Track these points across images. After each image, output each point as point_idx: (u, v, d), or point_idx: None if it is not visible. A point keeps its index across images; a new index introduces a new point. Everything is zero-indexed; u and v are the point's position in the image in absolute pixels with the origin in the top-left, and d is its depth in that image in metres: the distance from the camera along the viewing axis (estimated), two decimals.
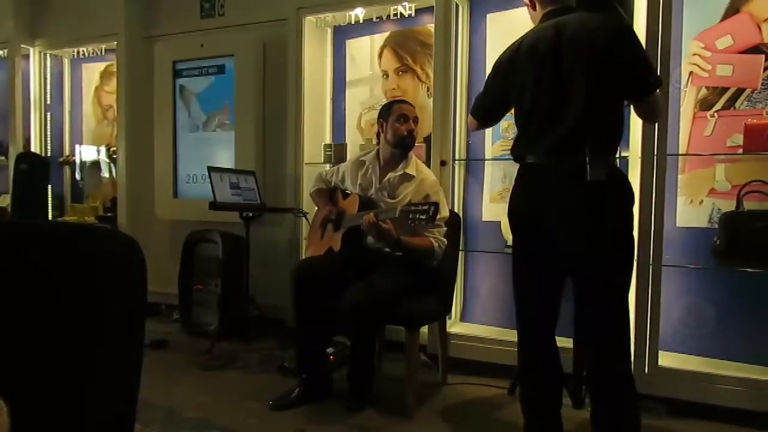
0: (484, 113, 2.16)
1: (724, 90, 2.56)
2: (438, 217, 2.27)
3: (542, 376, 1.96)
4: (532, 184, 1.88)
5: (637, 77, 1.80)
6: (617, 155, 2.81)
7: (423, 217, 2.12)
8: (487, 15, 3.13)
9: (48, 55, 4.67)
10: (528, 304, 1.96)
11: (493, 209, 3.13)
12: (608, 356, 1.80)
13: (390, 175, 2.64)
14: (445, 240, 2.57)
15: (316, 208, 2.94)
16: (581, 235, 1.78)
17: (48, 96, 4.72)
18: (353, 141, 3.54)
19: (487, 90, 2.10)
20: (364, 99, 3.58)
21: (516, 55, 1.93)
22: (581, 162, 1.73)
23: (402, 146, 2.65)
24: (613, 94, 1.80)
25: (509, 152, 2.03)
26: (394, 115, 2.65)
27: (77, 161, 4.60)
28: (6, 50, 4.57)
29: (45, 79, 4.69)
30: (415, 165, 2.65)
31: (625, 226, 1.83)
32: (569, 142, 1.78)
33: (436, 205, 2.14)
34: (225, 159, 3.89)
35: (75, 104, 4.75)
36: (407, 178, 2.61)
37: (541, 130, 1.85)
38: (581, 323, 1.85)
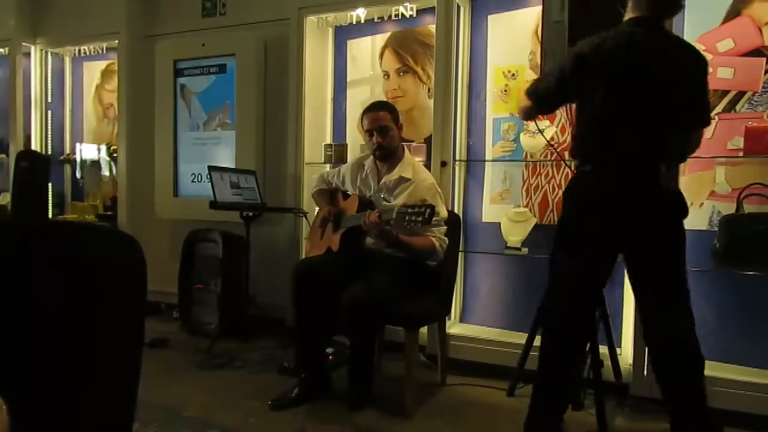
0: (550, 101, 2.07)
1: (725, 93, 2.56)
2: (436, 218, 2.26)
3: (571, 338, 1.98)
4: (606, 188, 1.86)
5: (701, 110, 1.90)
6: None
7: (419, 219, 2.12)
8: (489, 16, 3.13)
9: (49, 53, 4.67)
10: (575, 290, 1.96)
11: (493, 210, 3.13)
12: (685, 342, 1.90)
13: (386, 178, 2.64)
14: (446, 239, 2.57)
15: (317, 208, 2.94)
16: (656, 242, 1.86)
17: (49, 94, 4.72)
18: (354, 141, 3.54)
19: (561, 80, 1.96)
20: (364, 99, 3.57)
21: (599, 54, 1.87)
22: (657, 171, 1.81)
23: (380, 158, 2.65)
24: (684, 117, 1.89)
25: (569, 152, 2.01)
26: (363, 129, 2.67)
27: (78, 159, 4.59)
28: (7, 48, 4.57)
29: (46, 77, 4.69)
30: (411, 167, 2.63)
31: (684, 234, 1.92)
32: (647, 152, 1.83)
33: (432, 207, 2.14)
34: (225, 158, 3.89)
35: (76, 102, 4.75)
36: (403, 181, 2.59)
37: (618, 134, 1.85)
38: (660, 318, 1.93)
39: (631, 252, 1.93)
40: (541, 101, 2.05)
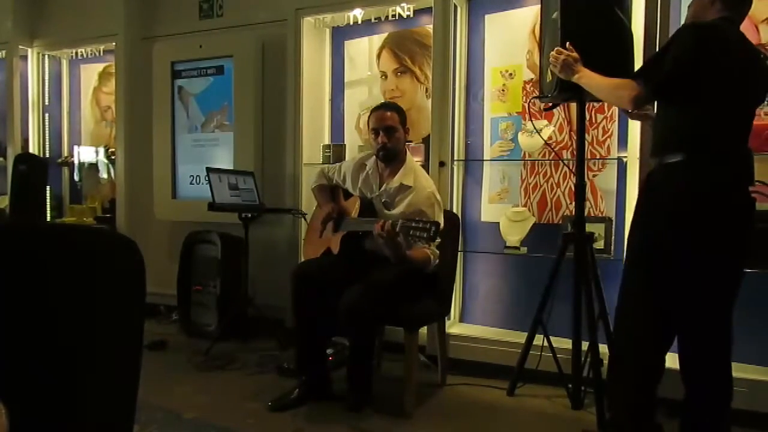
0: (666, 91, 1.87)
1: None
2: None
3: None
4: (733, 178, 1.80)
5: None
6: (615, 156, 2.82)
7: (423, 235, 2.11)
8: (486, 16, 3.14)
9: (46, 55, 4.66)
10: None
11: (492, 210, 3.13)
12: None
13: (387, 185, 2.62)
14: (438, 251, 2.57)
15: (317, 204, 2.92)
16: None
17: (46, 97, 4.71)
18: (352, 141, 3.54)
19: (686, 73, 1.79)
20: (362, 100, 3.58)
21: (719, 50, 1.81)
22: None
23: (383, 159, 2.64)
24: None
25: (687, 143, 1.82)
26: (369, 127, 2.65)
27: (76, 162, 4.58)
28: (4, 51, 4.57)
29: (43, 79, 4.68)
30: (412, 174, 2.60)
31: None
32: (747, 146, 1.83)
33: (438, 225, 2.13)
34: (224, 160, 3.88)
35: (73, 105, 4.75)
36: (404, 188, 2.56)
37: (735, 126, 1.83)
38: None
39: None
40: (659, 90, 1.87)
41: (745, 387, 2.28)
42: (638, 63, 2.39)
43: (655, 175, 1.90)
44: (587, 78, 2.06)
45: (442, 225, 2.56)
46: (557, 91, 2.27)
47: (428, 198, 2.53)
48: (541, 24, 2.56)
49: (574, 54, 2.11)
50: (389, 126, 2.58)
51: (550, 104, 2.64)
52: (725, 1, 1.83)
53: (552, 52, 2.17)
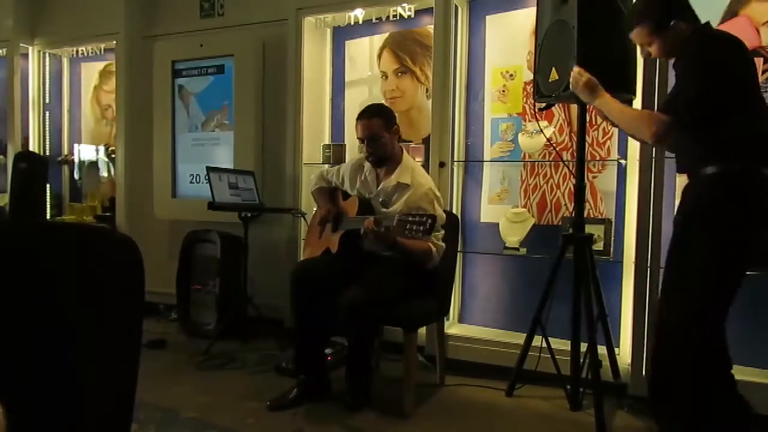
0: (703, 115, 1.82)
1: None
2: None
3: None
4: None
5: None
6: (617, 159, 2.83)
7: (420, 228, 2.11)
8: (486, 17, 3.14)
9: (47, 54, 4.66)
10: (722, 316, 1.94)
11: (492, 211, 3.13)
12: None
13: (384, 184, 2.62)
14: (443, 244, 2.56)
15: (316, 206, 2.93)
16: None
17: (47, 95, 4.71)
18: (352, 142, 3.54)
19: (727, 89, 1.82)
20: (363, 100, 3.58)
21: (746, 57, 1.86)
22: None
23: (375, 164, 2.64)
24: None
25: (723, 156, 1.81)
26: (357, 135, 2.65)
27: (76, 161, 4.59)
28: (5, 49, 4.57)
29: (44, 78, 4.68)
30: (410, 172, 2.59)
31: None
32: None
33: (434, 217, 2.13)
34: (224, 159, 3.88)
35: (74, 103, 4.75)
36: (401, 187, 2.56)
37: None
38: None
39: None
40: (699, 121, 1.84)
41: (744, 389, 2.27)
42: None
43: (698, 187, 1.90)
44: (607, 104, 2.04)
45: (443, 219, 2.56)
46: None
47: (426, 194, 2.53)
48: (536, 26, 2.55)
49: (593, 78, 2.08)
50: (373, 135, 2.55)
51: (544, 104, 2.63)
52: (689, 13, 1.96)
53: (574, 72, 2.12)
